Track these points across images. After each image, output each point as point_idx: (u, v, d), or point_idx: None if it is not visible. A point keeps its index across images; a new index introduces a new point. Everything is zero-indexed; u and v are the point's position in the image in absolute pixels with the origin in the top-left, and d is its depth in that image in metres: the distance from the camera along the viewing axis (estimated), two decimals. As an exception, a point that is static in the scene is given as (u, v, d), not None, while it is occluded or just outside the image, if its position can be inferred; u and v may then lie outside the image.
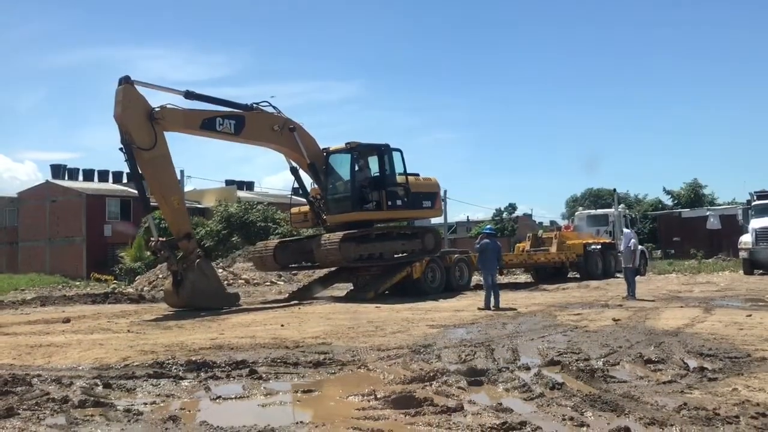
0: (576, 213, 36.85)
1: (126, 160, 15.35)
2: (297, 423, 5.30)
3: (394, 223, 20.41)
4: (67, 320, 13.32)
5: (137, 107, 15.24)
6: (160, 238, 15.87)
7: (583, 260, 24.82)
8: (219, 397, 6.37)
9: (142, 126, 15.20)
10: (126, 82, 15.11)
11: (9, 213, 51.18)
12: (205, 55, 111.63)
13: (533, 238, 26.99)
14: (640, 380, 6.63)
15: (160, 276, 25.33)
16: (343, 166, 18.93)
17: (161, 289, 19.97)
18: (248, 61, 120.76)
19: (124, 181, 50.26)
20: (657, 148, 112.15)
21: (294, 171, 19.06)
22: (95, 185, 50.86)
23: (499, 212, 66.80)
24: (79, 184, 49.69)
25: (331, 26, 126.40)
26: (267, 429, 5.08)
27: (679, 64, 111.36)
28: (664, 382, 6.48)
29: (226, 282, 21.77)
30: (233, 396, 6.41)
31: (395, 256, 19.05)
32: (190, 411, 5.94)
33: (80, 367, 7.82)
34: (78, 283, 33.25)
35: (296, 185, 19.59)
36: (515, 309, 14.14)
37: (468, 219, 75.93)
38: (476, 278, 20.67)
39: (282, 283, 25.92)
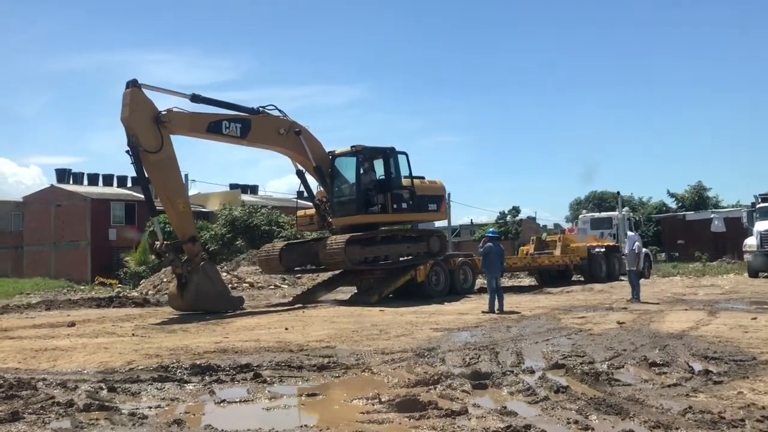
0: (580, 216, 36.76)
1: (132, 163, 15.43)
2: (301, 426, 5.30)
3: (399, 226, 20.42)
4: (72, 324, 13.36)
5: (144, 110, 15.34)
6: (165, 242, 15.94)
7: (587, 263, 24.78)
8: (223, 400, 6.37)
9: (148, 129, 15.29)
10: (133, 85, 15.22)
11: (14, 217, 51.39)
12: (209, 59, 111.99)
13: (537, 241, 26.93)
14: (645, 383, 6.62)
15: (165, 280, 25.38)
16: (348, 170, 18.97)
17: (166, 293, 20.02)
18: (252, 65, 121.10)
19: (129, 185, 50.40)
20: (661, 151, 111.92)
21: (300, 174, 19.11)
22: (100, 189, 51.02)
23: (502, 215, 66.69)
24: (84, 189, 49.84)
25: (335, 30, 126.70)
26: (271, 432, 5.08)
27: (683, 66, 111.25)
28: (668, 386, 6.46)
29: (230, 285, 21.79)
30: (238, 399, 6.42)
31: (400, 259, 19.07)
32: (194, 415, 5.95)
33: (85, 371, 7.85)
34: (83, 287, 33.34)
35: (302, 188, 19.63)
36: (519, 312, 14.12)
37: (472, 222, 75.88)
38: (480, 281, 20.66)
39: (286, 286, 25.95)
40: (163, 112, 15.60)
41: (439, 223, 36.96)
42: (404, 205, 18.84)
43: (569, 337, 10.08)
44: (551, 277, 25.11)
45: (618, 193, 37.38)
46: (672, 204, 55.92)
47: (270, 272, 21.92)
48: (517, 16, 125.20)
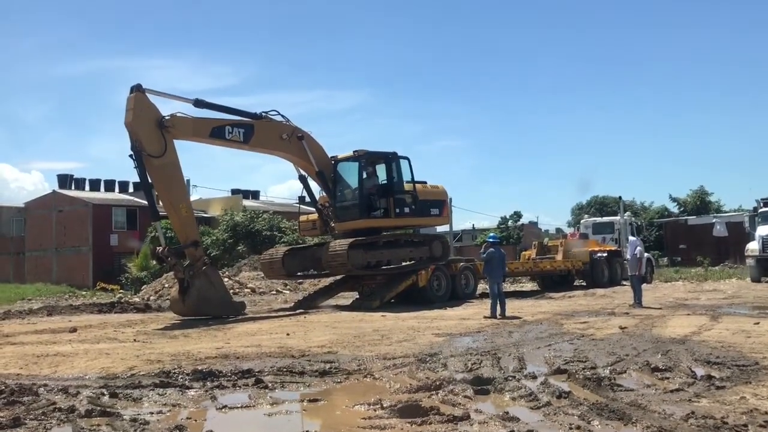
0: (582, 221, 36.75)
1: (135, 167, 15.48)
2: (303, 432, 5.30)
3: (402, 230, 20.42)
4: (73, 330, 13.38)
5: (148, 115, 15.40)
6: (167, 246, 15.96)
7: (589, 268, 24.74)
8: (225, 406, 6.37)
9: (152, 133, 15.35)
10: (137, 90, 15.29)
11: (16, 223, 51.49)
12: (211, 65, 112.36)
13: (539, 246, 26.93)
14: (647, 389, 6.60)
15: (166, 285, 25.40)
16: (351, 174, 19.00)
17: (167, 299, 20.02)
18: (254, 71, 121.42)
19: (131, 190, 50.49)
20: (663, 155, 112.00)
21: (303, 179, 19.16)
22: (102, 195, 51.07)
23: (504, 220, 66.67)
24: (86, 194, 49.90)
25: (337, 36, 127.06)
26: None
27: (686, 70, 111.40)
28: (671, 391, 6.45)
29: (232, 291, 21.79)
30: (239, 405, 6.41)
31: (403, 263, 19.08)
32: (196, 420, 5.95)
33: (87, 377, 7.84)
34: (84, 292, 33.37)
35: (304, 193, 19.66)
36: (521, 317, 14.11)
37: (473, 227, 75.84)
38: (482, 286, 20.64)
39: (288, 292, 25.93)
40: (167, 117, 15.66)
41: (441, 228, 37.01)
42: (406, 210, 18.87)
43: (571, 342, 10.06)
44: (553, 282, 25.12)
45: (620, 197, 37.44)
46: (674, 208, 55.81)
47: (273, 277, 21.91)
48: (519, 21, 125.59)
